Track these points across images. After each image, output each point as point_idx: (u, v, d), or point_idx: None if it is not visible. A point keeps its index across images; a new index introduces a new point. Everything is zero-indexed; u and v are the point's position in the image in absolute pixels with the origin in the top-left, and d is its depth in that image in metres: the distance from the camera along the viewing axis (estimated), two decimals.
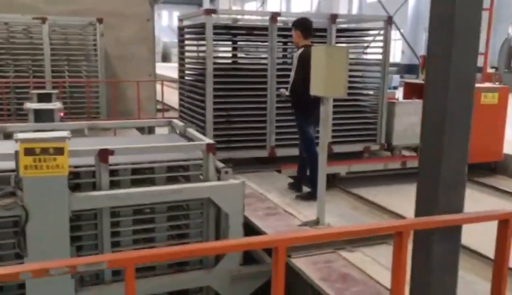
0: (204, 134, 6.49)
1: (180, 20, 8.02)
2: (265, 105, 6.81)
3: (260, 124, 6.83)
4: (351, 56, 8.34)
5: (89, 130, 5.22)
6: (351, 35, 7.55)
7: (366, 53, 8.06)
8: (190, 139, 4.87)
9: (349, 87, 7.08)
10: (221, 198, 4.16)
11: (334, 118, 7.00)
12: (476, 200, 7.04)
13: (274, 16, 6.73)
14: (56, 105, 5.27)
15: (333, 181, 7.18)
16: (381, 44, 7.39)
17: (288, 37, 6.97)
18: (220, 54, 7.48)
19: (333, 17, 6.96)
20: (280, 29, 6.79)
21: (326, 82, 4.30)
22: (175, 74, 22.32)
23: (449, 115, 2.00)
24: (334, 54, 4.32)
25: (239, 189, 4.21)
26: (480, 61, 18.29)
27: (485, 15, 9.49)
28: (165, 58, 44.69)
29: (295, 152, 6.33)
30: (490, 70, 19.39)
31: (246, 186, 6.05)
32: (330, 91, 4.35)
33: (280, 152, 6.91)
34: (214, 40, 6.59)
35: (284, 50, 7.45)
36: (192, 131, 4.96)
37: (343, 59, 4.32)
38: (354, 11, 30.42)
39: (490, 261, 3.88)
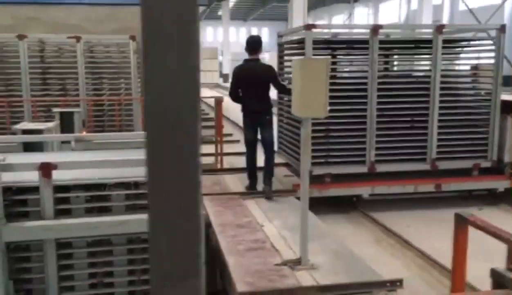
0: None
1: (280, 36, 7.85)
2: (365, 119, 6.47)
3: (359, 138, 6.54)
4: (458, 67, 7.96)
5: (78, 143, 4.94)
6: (457, 46, 7.33)
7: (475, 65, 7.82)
8: None
9: (457, 100, 6.90)
10: None
11: (440, 133, 6.59)
12: None
13: (375, 28, 6.47)
14: (47, 125, 5.12)
15: (356, 204, 6.46)
16: (492, 54, 6.88)
17: (390, 50, 7.07)
18: None
19: (440, 28, 6.58)
20: (381, 42, 6.54)
21: (301, 101, 3.69)
22: None
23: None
24: (311, 67, 3.70)
25: None
26: None
27: None
28: None
29: (396, 167, 6.51)
30: None
31: (248, 213, 5.56)
32: (306, 110, 3.73)
33: (381, 168, 6.55)
34: (314, 54, 6.28)
35: (386, 63, 7.41)
36: None
37: (322, 73, 3.69)
38: (445, 20, 28.46)
39: None
